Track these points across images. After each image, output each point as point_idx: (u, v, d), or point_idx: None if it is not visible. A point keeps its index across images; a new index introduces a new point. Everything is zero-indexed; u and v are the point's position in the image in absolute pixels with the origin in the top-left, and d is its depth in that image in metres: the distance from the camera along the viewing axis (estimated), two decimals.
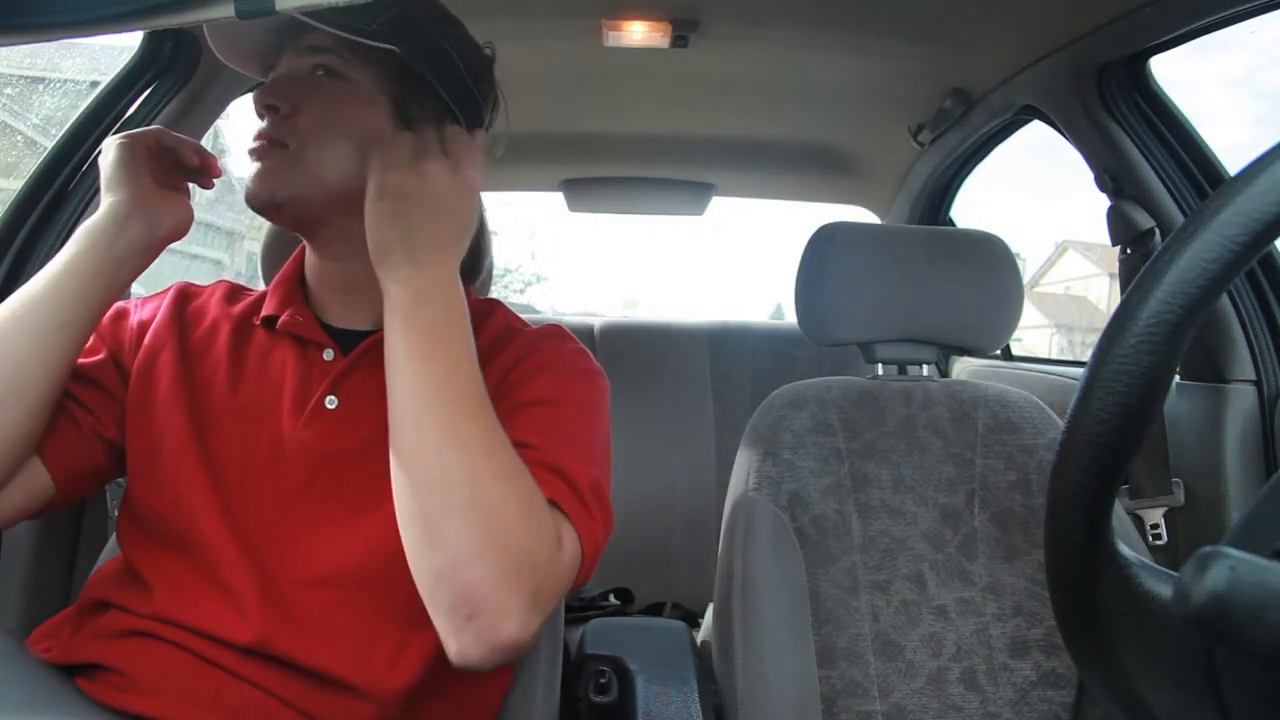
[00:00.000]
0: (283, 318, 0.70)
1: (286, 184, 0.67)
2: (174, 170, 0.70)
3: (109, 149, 0.67)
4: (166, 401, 0.68)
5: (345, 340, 0.70)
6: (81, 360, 0.69)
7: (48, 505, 0.67)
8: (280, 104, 0.67)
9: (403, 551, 0.62)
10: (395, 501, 0.57)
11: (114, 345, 0.72)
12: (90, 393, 0.69)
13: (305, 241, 0.74)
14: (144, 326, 0.73)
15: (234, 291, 0.77)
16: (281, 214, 0.69)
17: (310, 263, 0.74)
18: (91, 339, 0.70)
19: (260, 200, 0.68)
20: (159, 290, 0.78)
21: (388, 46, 0.65)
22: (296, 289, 0.74)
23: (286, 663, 0.61)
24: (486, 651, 0.53)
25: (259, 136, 0.68)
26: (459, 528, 0.53)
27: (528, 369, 0.67)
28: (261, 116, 0.68)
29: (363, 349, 0.68)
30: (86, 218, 0.67)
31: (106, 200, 0.66)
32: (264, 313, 0.72)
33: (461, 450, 0.55)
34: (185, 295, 0.76)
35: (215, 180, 0.74)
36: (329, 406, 0.67)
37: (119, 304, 0.74)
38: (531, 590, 0.54)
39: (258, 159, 0.68)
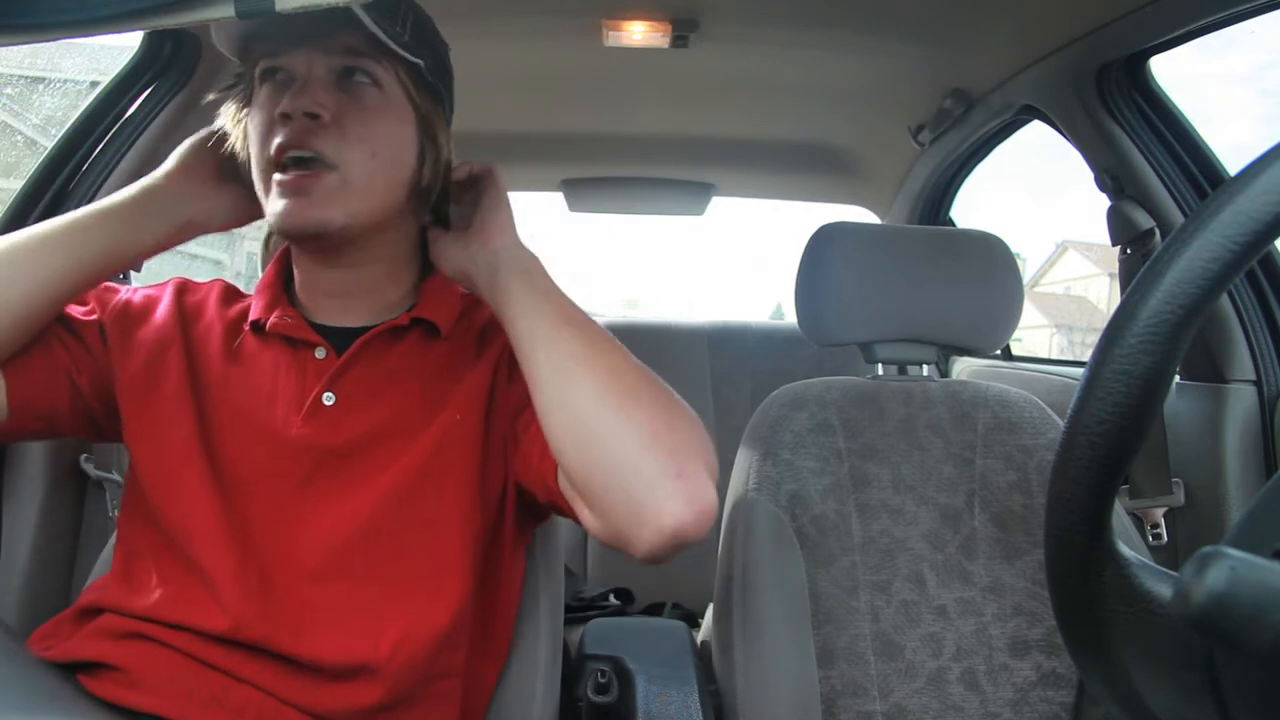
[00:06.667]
0: (271, 319, 0.69)
1: (340, 213, 0.64)
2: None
3: (190, 140, 0.72)
4: (174, 399, 0.67)
5: (335, 338, 0.70)
6: (72, 310, 0.69)
7: None
8: (322, 112, 0.62)
9: (403, 530, 0.65)
10: (580, 403, 0.59)
11: (101, 309, 0.71)
12: (73, 341, 0.68)
13: (307, 254, 0.72)
14: (135, 310, 0.72)
15: (229, 293, 0.76)
16: (322, 241, 0.66)
17: (303, 268, 0.73)
18: (86, 300, 0.71)
19: (309, 230, 0.64)
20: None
21: (416, 60, 0.65)
22: (281, 292, 0.73)
23: (290, 660, 0.61)
24: (695, 513, 0.56)
25: (292, 147, 0.62)
26: (654, 402, 0.59)
27: None
28: (285, 121, 0.62)
29: (359, 346, 0.68)
30: None
31: (171, 168, 0.70)
32: (251, 317, 0.71)
33: (631, 367, 0.62)
34: (184, 289, 0.75)
35: None
36: (326, 403, 0.67)
37: (107, 283, 0.73)
38: (707, 461, 0.59)
39: (304, 188, 0.63)
